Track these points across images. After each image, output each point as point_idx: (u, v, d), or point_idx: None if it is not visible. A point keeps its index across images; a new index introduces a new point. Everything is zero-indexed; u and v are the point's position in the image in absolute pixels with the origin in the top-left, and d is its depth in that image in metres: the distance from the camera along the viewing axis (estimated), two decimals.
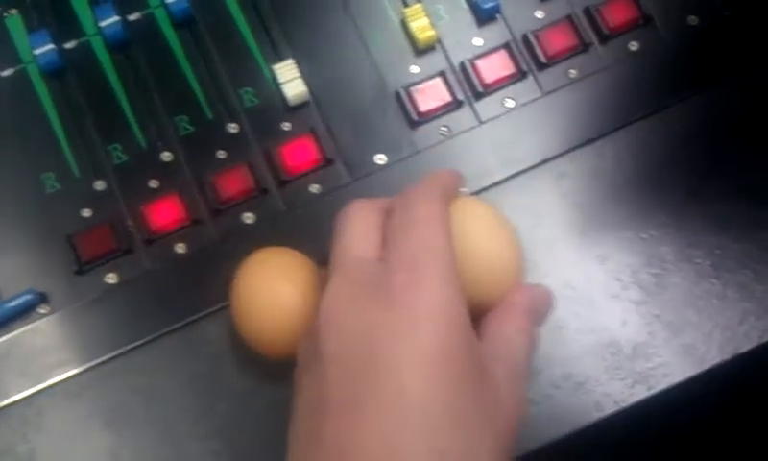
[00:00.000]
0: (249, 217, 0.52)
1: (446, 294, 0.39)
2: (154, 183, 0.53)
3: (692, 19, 0.55)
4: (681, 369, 0.49)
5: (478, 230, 0.45)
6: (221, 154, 0.54)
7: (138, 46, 0.56)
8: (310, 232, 0.51)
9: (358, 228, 0.43)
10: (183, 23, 0.56)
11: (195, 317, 0.51)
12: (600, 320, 0.50)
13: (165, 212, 0.52)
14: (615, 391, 0.49)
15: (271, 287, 0.47)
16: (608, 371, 0.49)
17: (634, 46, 0.55)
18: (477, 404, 0.38)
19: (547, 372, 0.49)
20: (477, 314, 0.43)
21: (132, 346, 0.51)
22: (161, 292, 0.51)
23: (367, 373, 0.37)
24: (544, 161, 0.53)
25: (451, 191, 0.45)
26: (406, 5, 0.56)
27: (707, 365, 0.50)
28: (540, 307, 0.46)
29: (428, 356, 0.37)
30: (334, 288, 0.41)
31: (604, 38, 0.55)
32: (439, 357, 0.37)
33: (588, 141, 0.54)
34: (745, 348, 0.50)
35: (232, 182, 0.52)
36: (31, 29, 0.56)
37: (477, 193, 0.52)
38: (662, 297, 0.51)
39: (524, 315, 0.44)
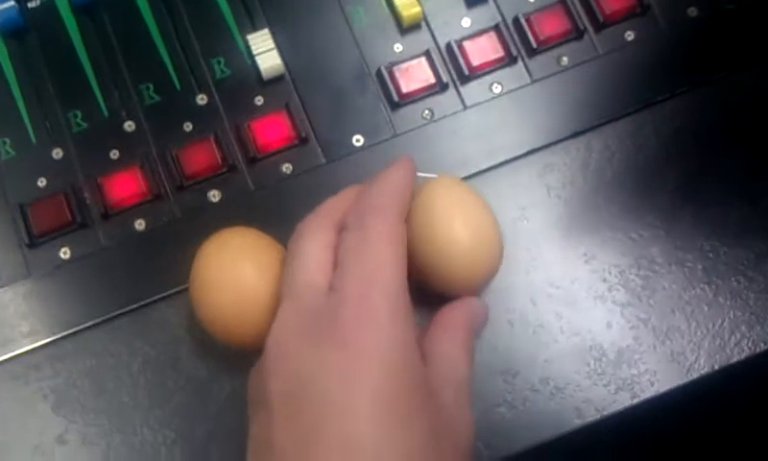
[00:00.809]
0: (214, 195, 0.48)
1: (395, 332, 0.37)
2: (114, 154, 0.49)
3: (692, 10, 0.52)
4: (667, 377, 0.46)
5: (447, 217, 0.43)
6: (187, 126, 0.49)
7: (105, 9, 0.51)
8: (279, 214, 0.48)
9: (311, 250, 0.40)
10: None
11: (153, 299, 0.47)
12: (583, 322, 0.47)
13: (125, 185, 0.48)
14: (597, 397, 0.46)
15: (233, 270, 0.42)
16: (590, 376, 0.46)
17: (630, 36, 0.51)
18: (430, 437, 0.37)
19: (525, 373, 0.46)
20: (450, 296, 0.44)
21: (83, 326, 0.47)
22: (117, 271, 0.47)
23: (315, 416, 0.35)
24: (530, 152, 0.50)
25: (407, 193, 0.42)
26: None
27: (694, 375, 0.46)
28: (478, 322, 0.45)
29: (379, 399, 0.35)
30: (283, 319, 0.39)
31: (599, 26, 0.51)
32: (390, 399, 0.36)
33: (577, 133, 0.50)
34: (735, 359, 0.46)
35: (198, 157, 0.48)
36: None
37: None
38: (650, 300, 0.47)
39: (463, 331, 0.43)
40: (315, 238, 0.40)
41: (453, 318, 0.43)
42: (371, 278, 0.38)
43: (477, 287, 0.45)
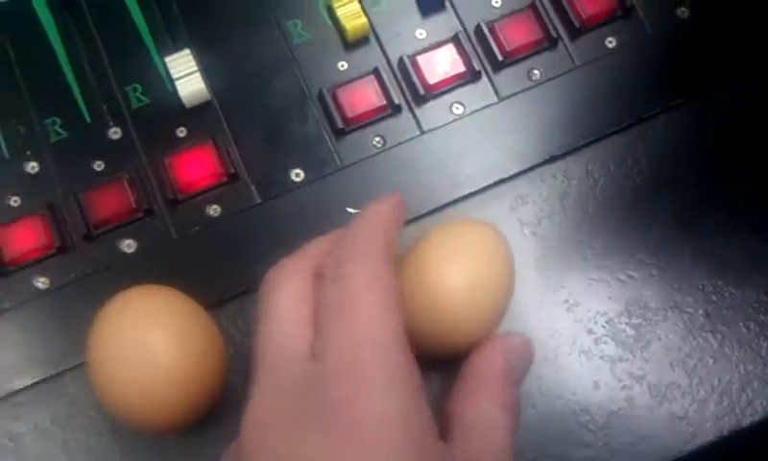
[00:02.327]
0: (129, 245, 0.40)
1: (398, 405, 0.29)
2: (14, 201, 0.41)
3: (682, 11, 0.44)
4: (667, 446, 0.38)
5: (440, 267, 0.35)
6: (98, 165, 0.41)
7: (3, 30, 0.43)
8: (206, 266, 0.40)
9: (286, 304, 0.33)
10: (60, 4, 0.44)
11: (53, 372, 0.38)
12: (566, 382, 0.39)
13: (26, 236, 0.40)
14: None
15: (138, 339, 0.34)
16: (574, 447, 0.38)
17: (611, 42, 0.43)
18: None
19: None
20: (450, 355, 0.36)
21: None
22: (15, 336, 0.39)
23: None
24: (499, 182, 0.41)
25: (395, 233, 0.34)
26: None
27: (699, 442, 0.38)
28: (519, 364, 0.36)
29: None
30: (260, 400, 0.31)
31: (575, 33, 0.43)
32: None
33: (554, 158, 0.42)
34: (748, 422, 0.38)
35: (110, 200, 0.40)
36: None
37: (418, 219, 0.41)
38: (644, 354, 0.39)
39: (499, 385, 0.34)
40: (290, 289, 0.33)
41: (485, 366, 0.35)
42: (358, 340, 0.30)
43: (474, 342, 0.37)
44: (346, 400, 0.29)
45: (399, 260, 0.36)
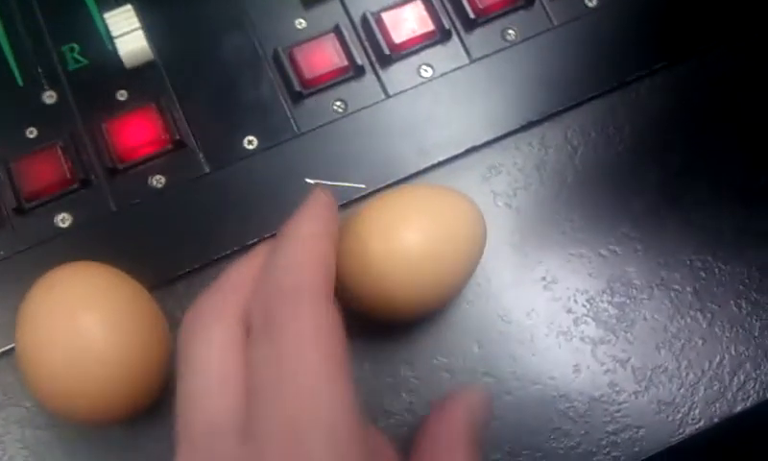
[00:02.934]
0: (64, 219, 0.36)
1: None
2: None
3: None
4: (653, 435, 0.34)
5: (397, 226, 0.32)
6: (31, 132, 0.37)
7: None
8: (149, 242, 0.36)
9: (209, 364, 0.27)
10: None
11: None
12: (544, 366, 0.35)
13: None
14: None
15: (67, 320, 0.30)
16: (553, 437, 0.34)
17: (592, 2, 0.40)
18: None
19: None
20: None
21: None
22: None
23: None
24: (471, 150, 0.38)
25: (329, 254, 0.29)
26: None
27: (688, 430, 0.35)
28: (481, 422, 0.32)
29: None
30: None
31: None
32: None
33: (530, 124, 0.38)
34: (740, 407, 0.35)
35: (43, 170, 0.36)
36: None
37: (382, 191, 0.37)
38: (627, 335, 0.36)
39: (464, 447, 0.30)
40: (214, 339, 0.27)
41: (446, 431, 0.30)
42: (298, 420, 0.24)
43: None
44: None
45: (353, 219, 0.33)
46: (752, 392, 0.35)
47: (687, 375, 0.35)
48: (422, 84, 0.39)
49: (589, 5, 0.40)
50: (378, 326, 0.35)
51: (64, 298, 0.31)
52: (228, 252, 0.36)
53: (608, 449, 0.34)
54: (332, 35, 0.38)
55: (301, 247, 0.28)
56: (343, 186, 0.37)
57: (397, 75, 0.39)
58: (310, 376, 0.25)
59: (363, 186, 0.37)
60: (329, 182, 0.37)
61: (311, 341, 0.25)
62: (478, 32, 0.39)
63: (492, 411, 0.33)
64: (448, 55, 0.39)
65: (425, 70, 0.39)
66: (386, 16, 0.38)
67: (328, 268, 0.28)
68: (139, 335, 0.31)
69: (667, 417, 0.35)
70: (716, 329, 0.36)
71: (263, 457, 0.24)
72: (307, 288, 0.26)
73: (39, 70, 0.38)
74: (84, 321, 0.30)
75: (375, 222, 0.32)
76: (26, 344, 0.31)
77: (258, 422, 0.25)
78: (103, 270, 0.32)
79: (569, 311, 0.36)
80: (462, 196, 0.34)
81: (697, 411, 0.35)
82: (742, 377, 0.35)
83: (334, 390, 0.25)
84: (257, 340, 0.26)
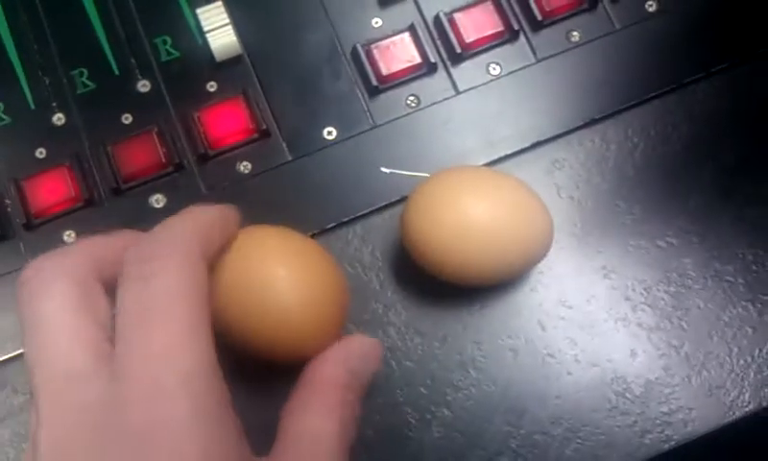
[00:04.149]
0: (158, 200, 0.38)
1: (200, 444, 0.25)
2: (40, 153, 0.39)
3: None
4: (704, 416, 0.36)
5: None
6: (126, 118, 0.39)
7: None
8: None
9: (54, 318, 0.27)
10: None
11: None
12: (603, 349, 0.37)
13: (52, 189, 0.38)
14: (620, 441, 0.36)
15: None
16: (611, 415, 0.36)
17: (652, 6, 0.41)
18: None
19: (532, 413, 0.36)
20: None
21: None
22: None
23: None
24: (536, 145, 0.40)
25: (217, 237, 0.31)
26: None
27: (737, 413, 0.36)
28: (363, 368, 0.32)
29: None
30: (47, 434, 0.26)
31: None
32: None
33: (592, 122, 0.40)
34: None
35: (139, 154, 0.38)
36: None
37: None
38: (682, 323, 0.37)
39: (336, 397, 0.30)
40: (57, 296, 0.27)
41: (322, 377, 0.31)
42: (160, 363, 0.26)
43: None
44: (147, 432, 0.25)
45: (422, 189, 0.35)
46: None
47: (738, 361, 0.37)
48: (491, 81, 0.40)
49: (650, 9, 0.41)
50: (449, 309, 0.38)
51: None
52: (310, 234, 0.38)
53: (661, 428, 0.36)
54: (407, 33, 0.40)
55: (190, 218, 0.30)
56: (413, 176, 0.39)
57: (467, 72, 0.41)
58: (174, 327, 0.26)
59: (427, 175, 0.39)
60: (401, 172, 0.39)
61: (180, 292, 0.27)
62: (544, 33, 0.41)
63: (378, 358, 0.33)
64: (516, 54, 0.41)
65: (494, 68, 0.41)
66: (458, 16, 0.40)
67: (210, 242, 0.29)
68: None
69: (718, 400, 0.37)
70: (766, 319, 0.37)
71: (127, 397, 0.25)
72: (185, 247, 0.28)
73: (134, 61, 0.41)
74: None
75: (447, 193, 0.35)
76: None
77: (124, 363, 0.26)
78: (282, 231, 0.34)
79: (627, 299, 0.38)
80: (529, 190, 0.36)
81: (747, 395, 0.36)
82: None
83: (195, 341, 0.26)
84: (129, 284, 0.27)
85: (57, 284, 0.27)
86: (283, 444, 0.29)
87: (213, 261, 0.30)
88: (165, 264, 0.27)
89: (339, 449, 0.29)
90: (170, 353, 0.26)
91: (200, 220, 0.30)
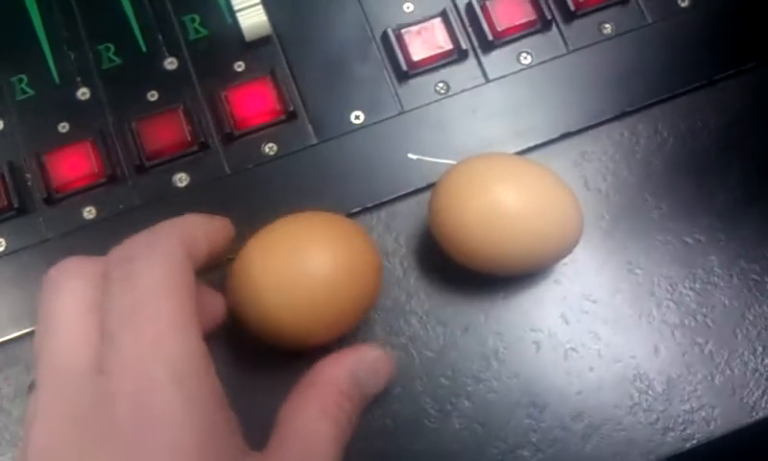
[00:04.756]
0: (181, 179, 0.38)
1: (193, 434, 0.25)
2: (63, 127, 0.39)
3: None
4: (727, 416, 0.36)
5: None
6: (152, 95, 0.39)
7: None
8: (260, 204, 0.38)
9: (66, 313, 0.28)
10: None
11: None
12: (626, 345, 0.37)
13: (74, 164, 0.38)
14: (642, 439, 0.35)
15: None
16: (633, 412, 0.36)
17: (684, 1, 0.41)
18: None
19: (554, 408, 0.36)
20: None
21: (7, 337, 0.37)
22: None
23: None
24: (565, 136, 0.39)
25: (195, 228, 0.31)
26: None
27: (760, 414, 0.36)
28: (369, 380, 0.33)
29: None
30: (43, 424, 0.27)
31: None
32: None
33: (622, 115, 0.39)
34: None
35: (163, 132, 0.38)
36: None
37: None
38: (707, 320, 0.37)
39: (334, 398, 0.31)
40: (73, 293, 0.28)
41: (324, 377, 0.31)
42: (148, 356, 0.26)
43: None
44: (138, 426, 0.25)
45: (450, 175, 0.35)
46: None
47: (762, 360, 0.37)
48: (521, 70, 0.40)
49: (682, 5, 0.41)
50: (471, 299, 0.37)
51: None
52: None
53: (684, 426, 0.36)
54: (439, 19, 0.40)
55: (175, 222, 0.30)
56: (440, 163, 0.38)
57: (498, 60, 0.40)
58: (160, 320, 0.26)
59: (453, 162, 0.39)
60: (428, 158, 0.39)
61: (164, 287, 0.27)
62: (576, 24, 0.40)
63: (388, 374, 0.34)
64: (547, 44, 0.40)
65: (525, 57, 0.40)
66: (490, 4, 0.40)
67: (192, 235, 0.30)
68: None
69: (741, 399, 0.36)
70: None
71: (116, 392, 0.26)
72: (167, 246, 0.28)
73: (161, 38, 0.40)
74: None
75: (478, 179, 0.34)
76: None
77: (111, 360, 0.26)
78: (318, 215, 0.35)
79: (652, 294, 0.37)
80: (560, 180, 0.35)
81: None
82: None
83: (182, 335, 0.27)
84: (113, 285, 0.28)
85: (73, 284, 0.28)
86: (278, 439, 0.29)
87: (201, 264, 0.30)
88: (148, 262, 0.27)
89: (332, 451, 0.30)
90: (159, 348, 0.26)
91: (182, 222, 0.30)
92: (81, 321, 0.28)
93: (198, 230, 0.30)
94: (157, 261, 0.28)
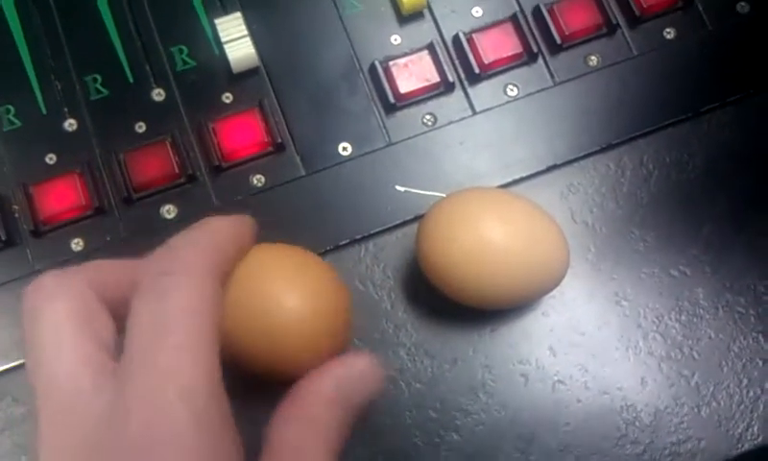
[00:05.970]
0: (169, 210, 0.38)
1: (203, 451, 0.25)
2: (50, 159, 0.38)
3: (742, 6, 0.41)
4: (713, 448, 0.36)
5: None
6: (140, 127, 0.39)
7: None
8: None
9: (56, 333, 0.27)
10: None
11: None
12: (613, 377, 0.36)
13: (61, 195, 0.37)
14: None
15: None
16: (620, 444, 0.36)
17: (670, 33, 0.41)
18: None
19: (541, 440, 0.35)
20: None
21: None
22: None
23: None
24: (551, 168, 0.39)
25: (232, 251, 0.30)
26: None
27: (746, 446, 0.36)
28: (356, 390, 0.31)
29: None
30: (46, 450, 0.26)
31: (634, 21, 0.40)
32: None
33: (608, 147, 0.39)
34: None
35: (151, 164, 0.38)
36: None
37: None
38: (693, 352, 0.37)
39: (319, 412, 0.29)
40: (60, 312, 0.27)
41: (309, 391, 0.30)
42: (165, 373, 0.25)
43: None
44: (148, 444, 0.25)
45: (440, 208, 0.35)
46: None
47: (748, 392, 0.37)
48: (508, 102, 0.40)
49: (668, 37, 0.41)
50: (459, 331, 0.37)
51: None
52: (322, 250, 0.37)
53: (670, 458, 0.36)
54: (426, 52, 0.40)
55: (205, 234, 0.29)
56: (428, 195, 0.38)
57: (485, 93, 0.40)
58: (182, 343, 0.26)
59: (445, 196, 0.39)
60: (415, 190, 0.38)
61: (193, 311, 0.26)
62: (563, 56, 0.40)
63: (377, 384, 0.31)
64: (534, 76, 0.40)
65: (511, 89, 0.40)
66: (477, 37, 0.40)
67: (223, 253, 0.29)
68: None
69: (727, 431, 0.36)
70: None
71: (126, 407, 0.25)
72: (199, 264, 0.27)
73: (149, 69, 0.40)
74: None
75: (466, 213, 0.34)
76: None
77: (126, 375, 0.25)
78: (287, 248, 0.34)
79: (639, 326, 0.37)
80: (547, 214, 0.35)
81: (756, 427, 0.36)
82: None
83: (200, 356, 0.26)
84: (144, 297, 0.27)
85: (57, 301, 0.27)
86: (267, 455, 0.29)
87: (227, 276, 0.30)
88: (182, 281, 0.27)
89: None
90: (174, 368, 0.25)
91: (217, 236, 0.29)
92: (75, 339, 0.27)
93: (230, 244, 0.30)
94: (191, 281, 0.27)
